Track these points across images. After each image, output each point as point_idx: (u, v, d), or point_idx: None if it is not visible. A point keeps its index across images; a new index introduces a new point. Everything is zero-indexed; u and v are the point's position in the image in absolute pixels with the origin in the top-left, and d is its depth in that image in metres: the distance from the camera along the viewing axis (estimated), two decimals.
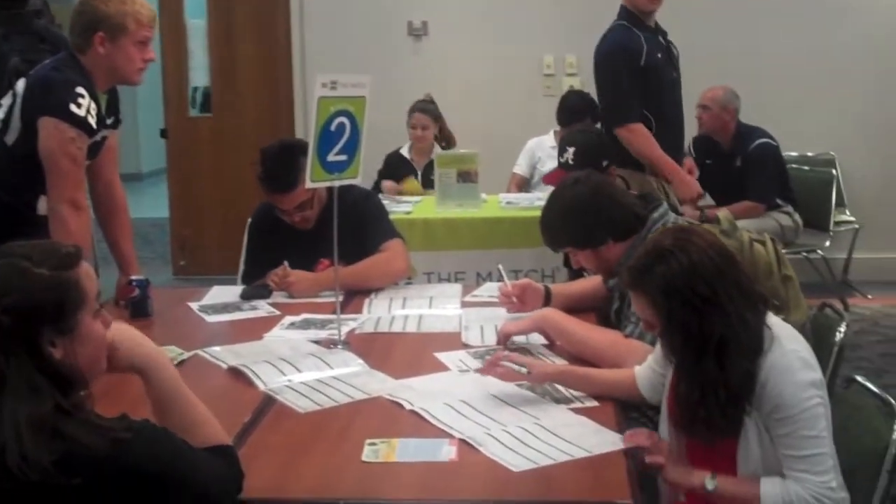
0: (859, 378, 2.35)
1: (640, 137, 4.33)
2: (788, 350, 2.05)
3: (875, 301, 6.14)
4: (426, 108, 5.66)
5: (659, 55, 4.41)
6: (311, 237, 3.41)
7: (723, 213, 3.17)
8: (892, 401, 2.18)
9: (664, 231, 2.26)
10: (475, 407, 2.28)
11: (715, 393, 2.02)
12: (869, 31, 6.46)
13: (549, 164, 5.44)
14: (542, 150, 5.68)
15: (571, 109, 5.47)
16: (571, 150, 3.81)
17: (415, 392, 2.38)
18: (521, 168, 5.74)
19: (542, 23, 6.67)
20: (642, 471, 2.11)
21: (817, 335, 2.85)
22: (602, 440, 2.10)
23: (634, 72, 4.34)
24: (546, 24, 6.66)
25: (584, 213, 2.75)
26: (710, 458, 2.15)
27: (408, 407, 2.28)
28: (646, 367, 2.40)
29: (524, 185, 5.70)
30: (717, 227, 3.01)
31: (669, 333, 2.10)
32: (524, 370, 2.37)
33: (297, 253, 3.42)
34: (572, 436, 2.10)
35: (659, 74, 4.40)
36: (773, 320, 2.13)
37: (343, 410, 2.31)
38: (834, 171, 6.03)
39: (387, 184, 5.51)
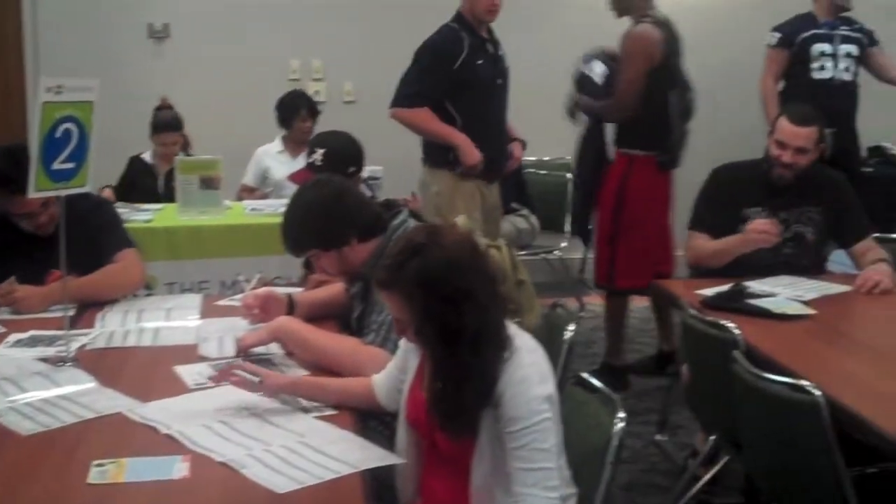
0: (584, 374, 2.45)
1: (417, 115, 4.57)
2: (527, 363, 2.08)
3: None
4: (173, 125, 5.49)
5: (480, 62, 4.58)
6: (45, 247, 3.24)
7: (460, 218, 3.24)
8: (614, 395, 2.30)
9: (415, 229, 2.28)
10: (235, 427, 2.21)
11: (471, 383, 2.04)
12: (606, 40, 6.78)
13: (279, 169, 5.43)
14: (269, 156, 5.65)
15: (284, 109, 5.64)
16: (321, 151, 3.79)
17: (170, 414, 2.29)
18: (248, 178, 5.67)
19: (288, 27, 6.63)
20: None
21: (549, 334, 2.97)
22: (368, 455, 2.08)
23: (444, 72, 4.52)
24: (292, 29, 6.63)
25: (328, 213, 2.75)
26: (447, 465, 2.19)
27: (164, 430, 2.19)
28: (385, 374, 2.41)
29: (253, 195, 5.61)
30: None
31: (426, 328, 2.08)
32: (257, 379, 2.35)
33: (29, 264, 3.24)
34: (338, 452, 2.07)
35: (475, 80, 4.57)
36: (514, 330, 2.16)
37: (70, 431, 2.21)
38: (569, 175, 6.28)
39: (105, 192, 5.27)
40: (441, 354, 2.09)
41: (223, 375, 2.41)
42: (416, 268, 2.05)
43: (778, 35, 5.68)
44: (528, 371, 2.07)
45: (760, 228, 3.56)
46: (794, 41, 5.63)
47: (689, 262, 3.83)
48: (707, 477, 3.53)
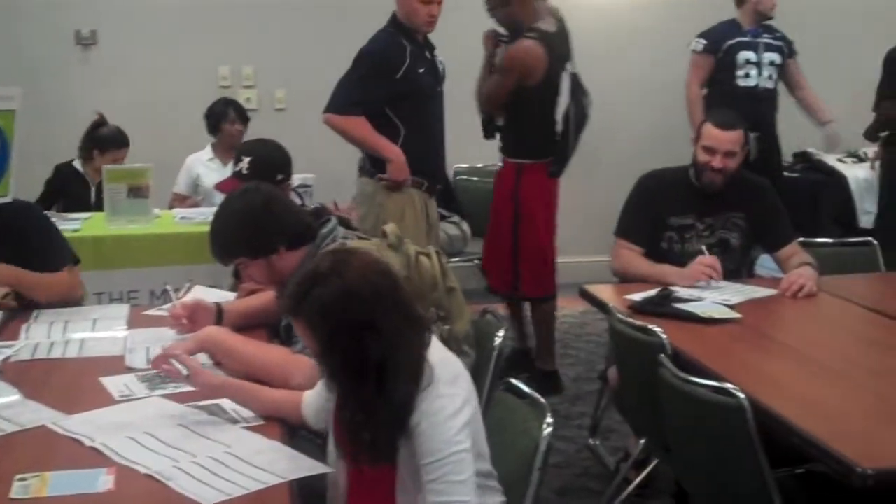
0: (512, 380, 2.47)
1: (350, 122, 4.44)
2: (445, 393, 2.05)
3: None
4: (123, 140, 5.40)
5: (422, 70, 4.50)
6: None
7: (390, 227, 3.21)
8: (542, 400, 2.31)
9: (323, 254, 2.24)
10: (161, 439, 2.19)
11: (377, 415, 2.01)
12: None
13: (210, 176, 5.40)
14: (200, 164, 5.61)
15: (213, 115, 5.62)
16: (247, 159, 3.76)
17: (95, 426, 2.26)
18: (179, 187, 5.63)
19: (218, 33, 6.56)
20: None
21: (480, 341, 2.99)
22: (297, 465, 2.07)
23: (385, 81, 4.41)
24: (223, 35, 6.57)
25: (256, 221, 2.74)
26: (371, 488, 2.17)
27: (88, 443, 2.17)
28: (314, 392, 2.39)
29: (185, 203, 5.56)
30: (384, 240, 3.07)
31: (328, 358, 2.06)
32: (186, 372, 2.35)
33: None
34: (266, 462, 2.06)
35: (417, 88, 4.49)
36: (436, 358, 2.12)
37: None
38: None
39: None
40: (345, 385, 2.07)
41: (157, 363, 2.41)
42: (318, 297, 2.01)
43: (704, 41, 5.77)
44: (444, 402, 2.04)
45: (709, 263, 3.57)
46: (720, 48, 5.73)
47: (616, 272, 3.85)
48: (637, 480, 3.58)
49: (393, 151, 4.47)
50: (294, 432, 2.39)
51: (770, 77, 5.73)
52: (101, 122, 5.48)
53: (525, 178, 4.80)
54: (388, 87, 4.42)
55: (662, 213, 3.80)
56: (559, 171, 4.90)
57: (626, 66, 6.70)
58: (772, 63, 5.74)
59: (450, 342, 2.95)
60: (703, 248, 3.70)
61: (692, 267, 3.58)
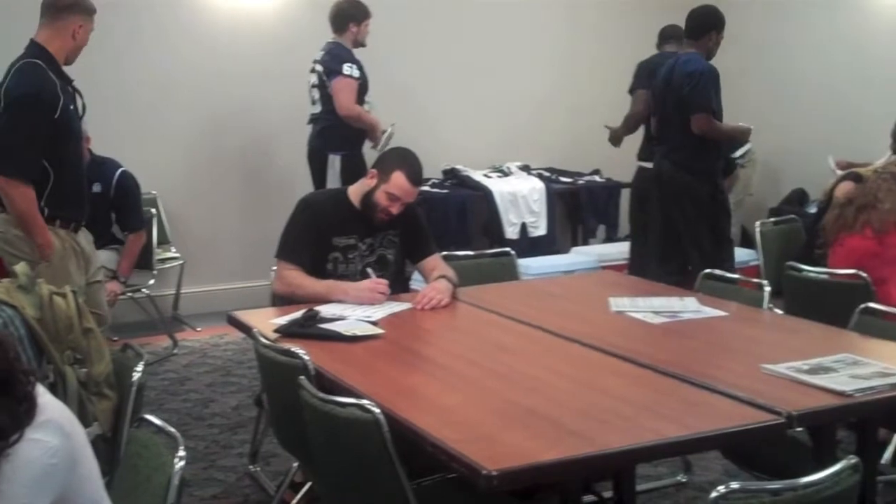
0: (147, 416, 2.42)
1: (20, 193, 3.99)
2: (28, 438, 1.86)
3: (203, 333, 6.33)
4: None
5: (72, 106, 4.11)
6: None
7: (20, 267, 3.04)
8: (176, 433, 2.27)
9: None
10: None
11: None
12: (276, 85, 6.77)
13: None
14: None
15: None
16: None
17: None
18: None
19: None
20: None
21: (119, 376, 2.90)
22: None
23: (49, 123, 3.99)
24: None
25: None
26: None
27: None
28: None
29: None
30: (14, 281, 2.91)
31: None
32: None
33: None
34: None
35: (70, 127, 4.10)
36: (45, 402, 1.94)
37: None
38: (154, 210, 6.12)
39: None
40: None
41: None
42: None
43: (356, 67, 5.97)
44: (24, 446, 1.86)
45: (372, 287, 3.68)
46: (362, 73, 6.02)
47: (280, 294, 3.84)
48: (294, 502, 3.60)
49: (46, 239, 4.07)
50: None
51: None
52: None
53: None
54: (49, 130, 4.01)
55: (326, 235, 3.86)
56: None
57: (283, 88, 6.75)
58: None
59: (88, 385, 2.85)
60: (370, 270, 3.83)
61: (364, 293, 3.67)
